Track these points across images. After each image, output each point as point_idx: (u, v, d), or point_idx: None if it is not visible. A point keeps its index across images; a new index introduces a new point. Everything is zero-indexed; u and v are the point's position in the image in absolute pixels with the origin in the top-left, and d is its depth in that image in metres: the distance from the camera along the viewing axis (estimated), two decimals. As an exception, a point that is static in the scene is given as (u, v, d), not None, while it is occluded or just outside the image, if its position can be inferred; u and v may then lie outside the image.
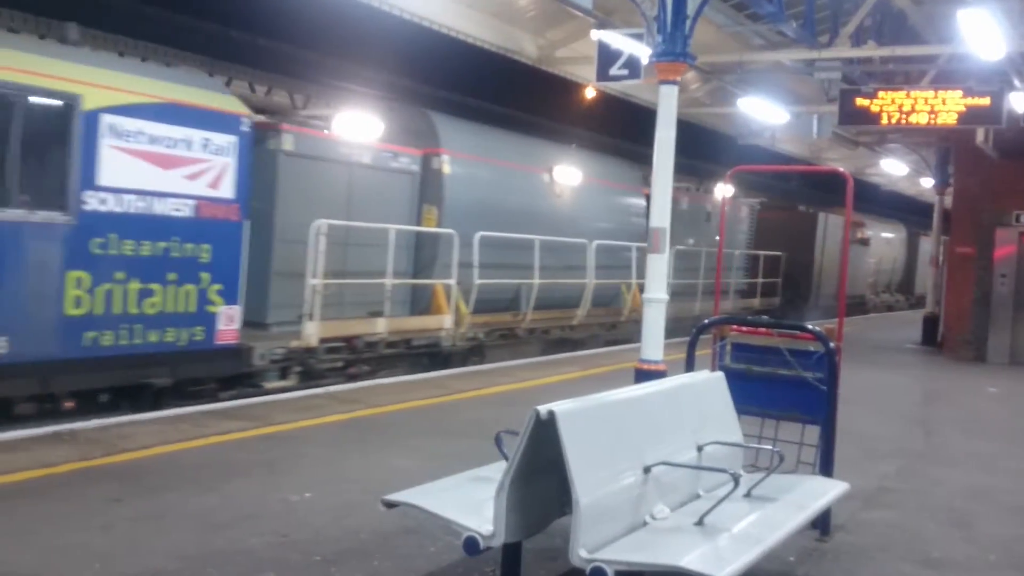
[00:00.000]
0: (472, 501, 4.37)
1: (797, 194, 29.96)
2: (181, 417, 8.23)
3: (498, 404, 9.88)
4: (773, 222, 24.49)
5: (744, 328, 6.54)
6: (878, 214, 34.36)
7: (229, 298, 9.46)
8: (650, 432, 4.67)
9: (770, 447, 5.32)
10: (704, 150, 23.10)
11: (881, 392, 12.81)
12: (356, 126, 12.02)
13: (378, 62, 17.42)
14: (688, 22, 8.98)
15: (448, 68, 16.71)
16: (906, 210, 38.30)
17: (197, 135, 9.04)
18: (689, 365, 6.22)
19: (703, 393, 5.47)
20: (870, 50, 15.21)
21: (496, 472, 4.37)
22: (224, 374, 9.69)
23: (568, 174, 15.65)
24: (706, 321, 6.50)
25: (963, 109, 13.98)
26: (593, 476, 4.03)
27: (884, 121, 14.59)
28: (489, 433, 4.97)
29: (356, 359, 11.40)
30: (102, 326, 8.38)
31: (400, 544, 5.33)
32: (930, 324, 20.48)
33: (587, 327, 15.94)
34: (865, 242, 30.60)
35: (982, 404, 12.69)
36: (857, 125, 16.12)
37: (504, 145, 15.00)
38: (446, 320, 12.59)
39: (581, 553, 3.85)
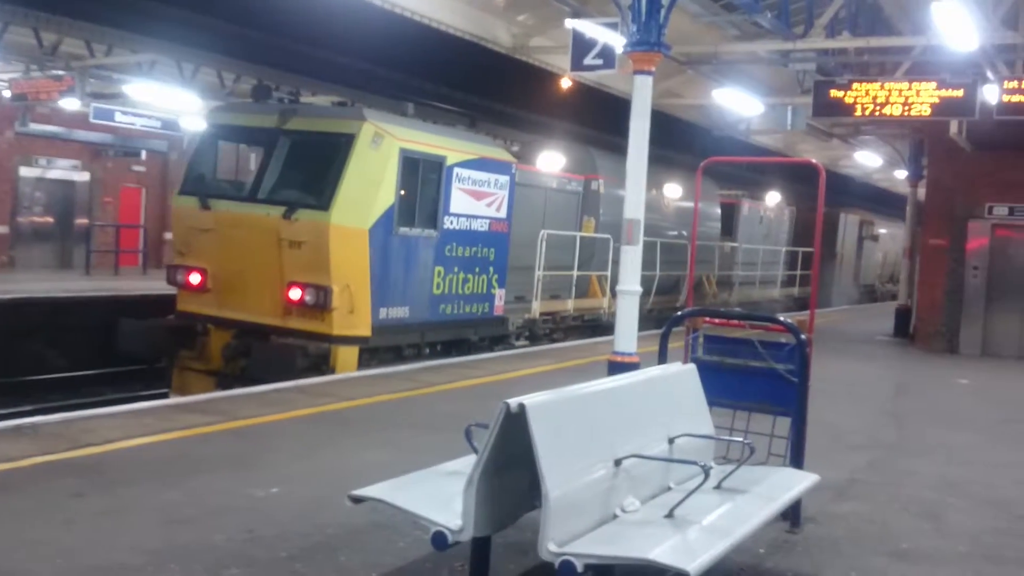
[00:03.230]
0: (441, 495, 4.31)
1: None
2: (145, 411, 8.13)
3: (471, 397, 9.83)
4: (806, 222, 28.25)
5: (717, 320, 6.51)
6: (885, 214, 38.07)
7: (500, 284, 13.81)
8: (621, 424, 4.63)
9: (741, 439, 5.29)
10: (678, 142, 23.14)
11: (853, 384, 12.86)
12: (550, 160, 17.08)
13: (351, 51, 17.03)
14: (663, 11, 8.93)
15: (421, 57, 16.46)
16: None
17: (492, 177, 13.31)
18: (662, 357, 6.18)
19: (675, 385, 5.43)
20: (844, 41, 15.22)
21: (466, 466, 4.30)
22: (497, 334, 14.15)
23: (671, 190, 20.35)
24: (679, 313, 6.47)
25: (937, 101, 13.99)
26: (563, 469, 3.98)
27: (858, 113, 14.58)
28: (462, 426, 4.90)
29: (556, 328, 15.86)
30: (447, 301, 12.72)
31: (368, 539, 5.26)
32: (902, 316, 20.61)
33: (684, 307, 19.00)
34: (875, 238, 35.35)
35: (953, 396, 12.76)
36: (831, 117, 16.14)
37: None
38: (605, 302, 16.76)
39: (550, 547, 3.80)
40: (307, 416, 8.42)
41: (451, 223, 12.56)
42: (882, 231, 36.49)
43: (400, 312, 11.86)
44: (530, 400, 3.91)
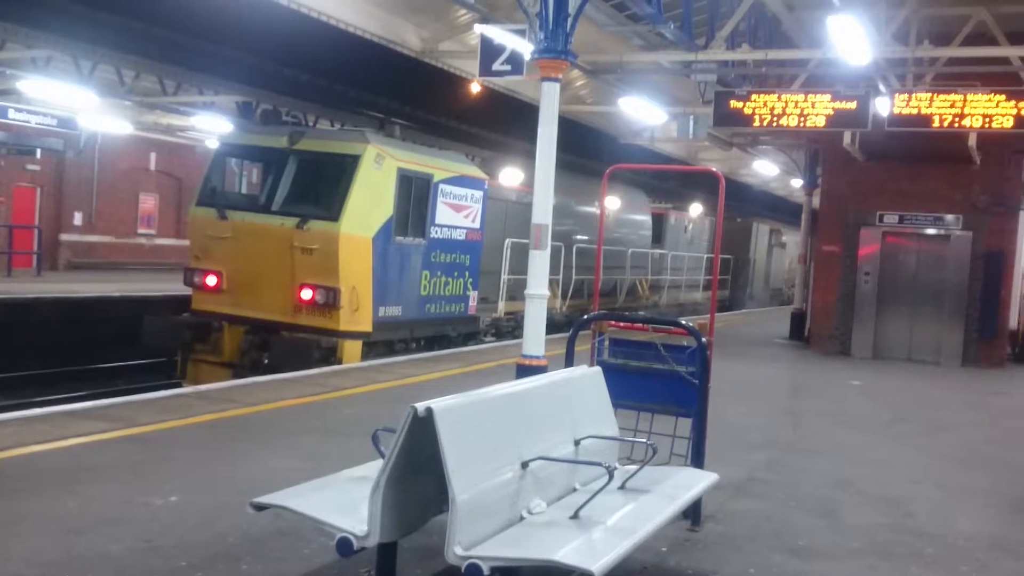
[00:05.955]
0: (347, 501, 4.27)
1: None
2: (39, 418, 7.83)
3: (379, 401, 9.76)
4: (725, 231, 30.58)
5: (621, 324, 6.62)
6: (790, 222, 40.00)
7: (474, 287, 15.46)
8: (528, 427, 4.66)
9: (644, 440, 5.39)
10: (586, 148, 23.48)
11: (752, 385, 13.19)
12: (509, 176, 18.73)
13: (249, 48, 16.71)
14: (569, 20, 9.05)
15: (329, 58, 16.32)
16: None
17: (468, 192, 14.97)
18: (568, 360, 6.25)
19: (581, 388, 5.50)
20: (744, 53, 15.64)
21: (372, 471, 4.28)
22: (470, 331, 15.75)
23: (612, 203, 21.98)
24: (585, 317, 6.56)
25: (831, 112, 14.48)
26: (470, 473, 3.99)
27: (756, 123, 14.99)
28: (368, 431, 4.87)
29: (517, 326, 16.51)
30: (432, 301, 14.33)
31: (272, 547, 5.18)
32: (798, 319, 21.24)
33: (623, 308, 22.02)
34: (783, 245, 38.27)
35: (847, 397, 13.19)
36: (731, 127, 16.56)
37: (579, 185, 20.86)
38: (557, 302, 18.63)
39: (457, 550, 3.81)
40: (208, 422, 8.23)
41: (436, 232, 14.22)
42: (786, 239, 38.56)
43: (395, 311, 13.46)
44: (437, 404, 3.92)
